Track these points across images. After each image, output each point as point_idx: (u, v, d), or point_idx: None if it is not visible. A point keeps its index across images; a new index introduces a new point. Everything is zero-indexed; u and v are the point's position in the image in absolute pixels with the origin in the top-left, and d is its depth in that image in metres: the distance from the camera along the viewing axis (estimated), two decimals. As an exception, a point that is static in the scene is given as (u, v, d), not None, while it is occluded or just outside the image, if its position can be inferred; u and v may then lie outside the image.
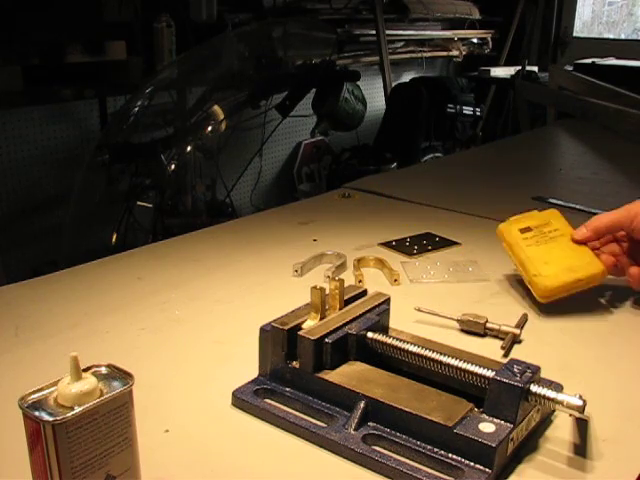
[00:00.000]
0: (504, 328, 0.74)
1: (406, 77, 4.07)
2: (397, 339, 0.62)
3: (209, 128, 2.28)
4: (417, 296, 0.85)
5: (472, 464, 0.52)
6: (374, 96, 3.90)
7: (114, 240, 2.10)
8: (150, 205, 2.20)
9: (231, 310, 0.82)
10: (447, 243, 1.04)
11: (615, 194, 1.30)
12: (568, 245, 0.82)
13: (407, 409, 0.55)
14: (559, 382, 0.59)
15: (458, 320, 0.76)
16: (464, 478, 0.51)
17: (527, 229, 0.84)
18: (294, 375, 0.61)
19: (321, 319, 0.63)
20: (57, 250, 2.30)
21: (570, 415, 0.56)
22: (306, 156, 3.75)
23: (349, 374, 0.60)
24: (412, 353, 0.61)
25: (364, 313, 0.65)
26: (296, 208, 1.28)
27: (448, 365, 0.58)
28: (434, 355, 0.59)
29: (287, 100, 2.54)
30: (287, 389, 0.61)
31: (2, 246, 2.49)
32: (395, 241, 1.04)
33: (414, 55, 3.97)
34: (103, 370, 0.49)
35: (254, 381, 0.63)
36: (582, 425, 0.59)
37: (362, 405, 0.57)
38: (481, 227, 1.12)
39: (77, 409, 0.44)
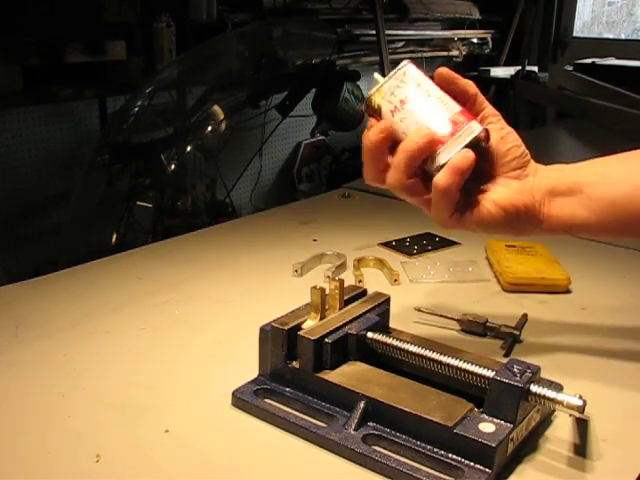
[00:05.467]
0: (504, 328, 0.74)
1: (406, 77, 4.06)
2: (397, 339, 0.62)
3: (209, 128, 2.28)
4: (417, 296, 0.85)
5: (472, 464, 0.52)
6: (374, 96, 3.89)
7: (114, 240, 2.10)
8: (150, 205, 2.19)
9: (231, 310, 0.82)
10: (447, 243, 1.04)
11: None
12: (542, 260, 0.93)
13: (407, 409, 0.55)
14: (559, 382, 0.59)
15: (458, 320, 0.76)
16: (464, 478, 0.51)
17: (512, 246, 0.97)
18: (294, 375, 0.61)
19: (321, 319, 0.63)
20: (57, 250, 2.30)
21: (570, 415, 0.56)
22: (306, 156, 3.74)
23: (349, 374, 0.60)
24: (412, 353, 0.61)
25: (364, 313, 0.65)
26: (296, 208, 1.28)
27: (448, 365, 0.58)
28: (434, 355, 0.59)
29: (287, 100, 2.55)
30: (287, 389, 0.61)
31: (2, 246, 2.49)
32: (395, 241, 1.04)
33: (414, 55, 3.96)
34: None
35: (254, 381, 0.63)
36: (582, 425, 0.59)
37: (362, 405, 0.57)
38: (481, 227, 1.12)
39: None
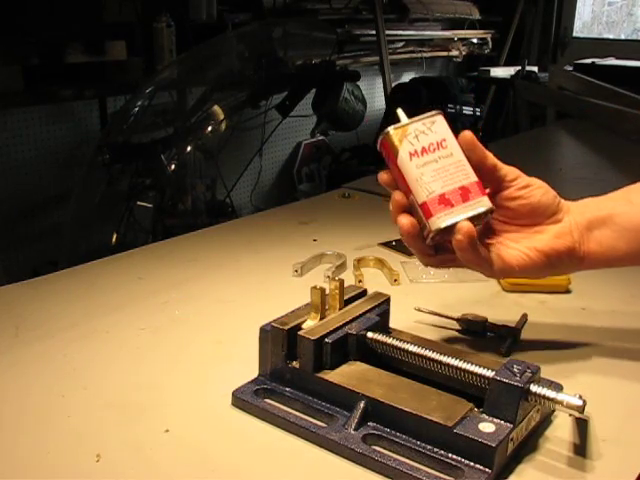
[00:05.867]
0: (504, 328, 0.74)
1: (406, 77, 4.07)
2: (397, 339, 0.62)
3: (209, 128, 2.28)
4: (417, 296, 0.85)
5: (472, 464, 0.52)
6: (374, 96, 3.90)
7: (114, 240, 2.10)
8: (150, 205, 2.19)
9: (231, 310, 0.82)
10: (447, 243, 1.04)
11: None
12: None
13: (407, 409, 0.55)
14: (559, 382, 0.59)
15: (458, 320, 0.76)
16: (464, 478, 0.51)
17: None
18: (294, 375, 0.61)
19: (321, 319, 0.63)
20: (57, 250, 2.30)
21: (570, 415, 0.56)
22: (306, 156, 3.74)
23: (349, 374, 0.60)
24: (412, 353, 0.61)
25: (364, 313, 0.65)
26: (296, 208, 1.28)
27: (448, 365, 0.58)
28: (434, 355, 0.59)
29: (287, 100, 2.55)
30: (287, 389, 0.61)
31: (2, 246, 2.49)
32: (395, 241, 1.04)
33: (414, 55, 3.96)
34: None
35: (254, 381, 0.63)
36: (582, 425, 0.59)
37: (362, 405, 0.57)
38: (481, 227, 1.12)
39: None
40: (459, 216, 0.59)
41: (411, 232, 0.61)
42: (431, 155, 0.60)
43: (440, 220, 0.60)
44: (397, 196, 0.62)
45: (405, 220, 0.61)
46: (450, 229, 0.60)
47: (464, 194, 0.60)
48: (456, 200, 0.60)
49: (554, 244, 0.63)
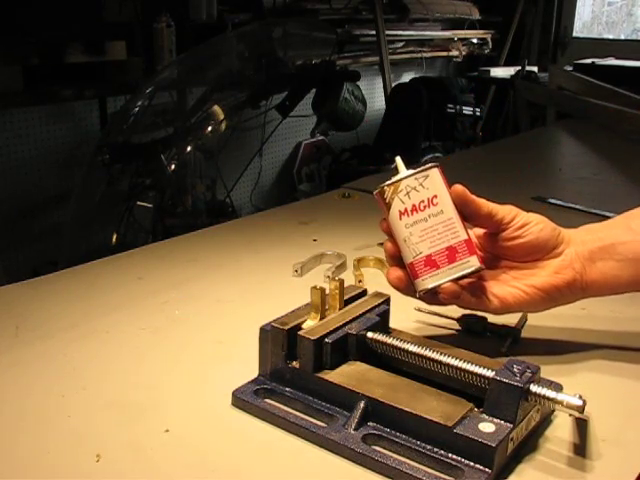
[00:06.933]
0: (504, 328, 0.74)
1: (406, 77, 4.07)
2: (397, 339, 0.62)
3: (209, 128, 2.28)
4: (417, 296, 0.85)
5: (472, 464, 0.52)
6: (374, 96, 3.90)
7: (114, 240, 2.10)
8: (150, 205, 2.20)
9: (231, 310, 0.82)
10: (447, 243, 1.04)
11: (615, 194, 1.30)
12: None
13: (407, 409, 0.55)
14: (559, 382, 0.59)
15: (458, 320, 0.76)
16: (464, 478, 0.51)
17: None
18: (294, 375, 0.61)
19: (321, 319, 0.63)
20: (57, 250, 2.30)
21: (570, 415, 0.56)
22: (306, 156, 3.74)
23: (349, 374, 0.60)
24: (412, 353, 0.61)
25: (364, 313, 0.65)
26: (296, 208, 1.28)
27: (448, 365, 0.58)
28: (434, 355, 0.59)
29: (287, 100, 2.55)
30: (287, 389, 0.61)
31: (2, 246, 2.50)
32: (395, 241, 1.04)
33: (414, 55, 3.97)
34: None
35: (254, 381, 0.63)
36: (582, 425, 0.59)
37: (362, 405, 0.57)
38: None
39: None
40: (444, 278, 0.61)
41: (400, 286, 0.65)
42: (421, 214, 0.62)
43: (426, 282, 0.62)
44: (388, 245, 0.64)
45: (393, 275, 0.64)
46: (436, 289, 0.62)
47: (451, 255, 0.61)
48: (442, 262, 0.61)
49: (553, 280, 0.64)
